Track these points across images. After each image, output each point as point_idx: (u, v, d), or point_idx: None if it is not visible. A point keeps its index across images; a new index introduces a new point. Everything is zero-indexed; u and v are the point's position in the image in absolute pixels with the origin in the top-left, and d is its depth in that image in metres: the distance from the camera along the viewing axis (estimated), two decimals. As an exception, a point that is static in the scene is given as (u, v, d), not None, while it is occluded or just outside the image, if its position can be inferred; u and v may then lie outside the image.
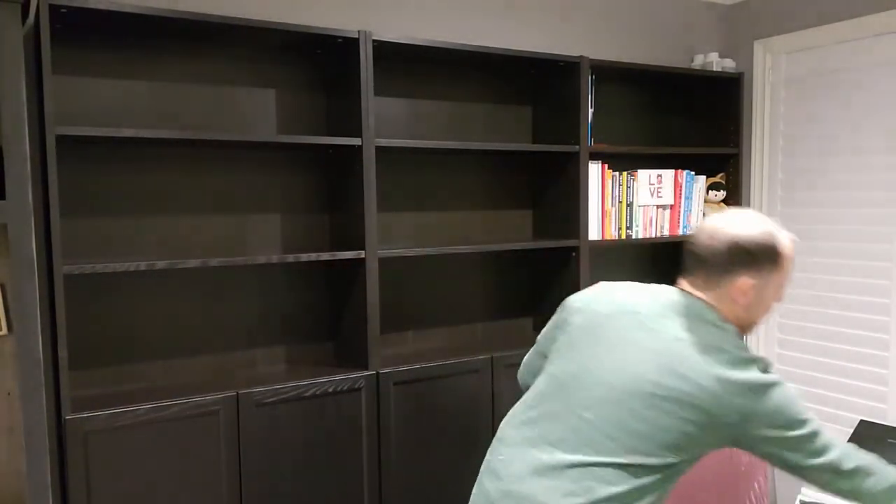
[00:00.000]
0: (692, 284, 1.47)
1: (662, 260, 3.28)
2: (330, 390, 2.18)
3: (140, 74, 2.15)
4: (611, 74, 2.93)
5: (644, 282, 3.23)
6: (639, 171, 2.85)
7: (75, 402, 1.96)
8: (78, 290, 2.09)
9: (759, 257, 1.40)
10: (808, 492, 1.82)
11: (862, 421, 2.03)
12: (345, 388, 2.20)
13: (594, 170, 2.73)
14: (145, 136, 1.91)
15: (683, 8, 3.23)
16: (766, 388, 1.31)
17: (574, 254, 2.71)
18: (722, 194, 3.11)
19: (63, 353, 1.82)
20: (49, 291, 1.92)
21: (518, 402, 1.55)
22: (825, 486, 1.34)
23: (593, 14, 2.99)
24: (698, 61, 3.18)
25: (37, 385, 1.43)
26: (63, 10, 1.83)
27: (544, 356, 1.64)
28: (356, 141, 2.23)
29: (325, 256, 2.20)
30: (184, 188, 2.22)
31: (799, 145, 3.07)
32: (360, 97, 2.22)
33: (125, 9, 1.87)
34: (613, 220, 2.81)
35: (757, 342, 3.21)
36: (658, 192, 2.90)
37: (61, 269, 1.83)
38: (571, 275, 2.72)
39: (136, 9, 1.88)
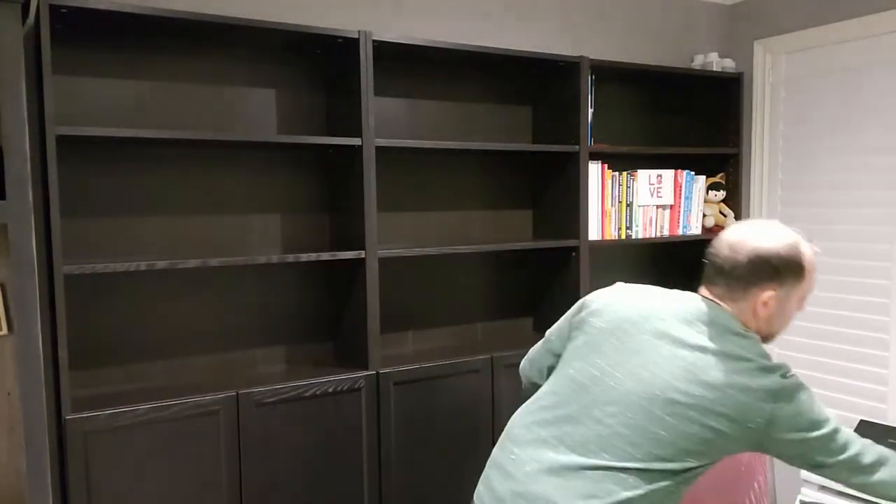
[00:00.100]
0: (713, 294, 1.46)
1: (662, 260, 3.28)
2: (330, 390, 2.18)
3: (140, 74, 2.15)
4: (611, 74, 2.93)
5: (644, 282, 3.24)
6: (639, 171, 2.85)
7: (75, 402, 1.96)
8: (78, 290, 2.09)
9: (781, 271, 1.39)
10: (809, 492, 1.82)
11: (862, 421, 2.03)
12: (345, 388, 2.20)
13: (594, 170, 2.73)
14: (145, 136, 1.91)
15: (683, 8, 3.23)
16: (788, 392, 1.32)
17: (574, 254, 2.71)
18: (722, 194, 3.11)
19: (63, 353, 1.82)
20: (49, 291, 1.92)
21: (529, 401, 1.54)
22: (846, 482, 1.36)
23: (593, 14, 2.99)
24: (698, 61, 3.18)
25: (37, 385, 1.43)
26: (63, 10, 1.83)
27: (556, 355, 1.63)
28: (356, 141, 2.23)
29: (325, 256, 2.20)
30: (184, 188, 2.23)
31: (799, 145, 3.07)
32: (360, 97, 2.22)
33: (125, 9, 1.87)
34: (613, 220, 2.81)
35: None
36: (658, 192, 2.90)
37: (61, 269, 1.83)
38: (571, 275, 2.72)
39: (136, 9, 1.88)
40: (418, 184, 2.63)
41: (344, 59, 2.29)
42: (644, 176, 2.86)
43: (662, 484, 1.31)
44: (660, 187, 2.91)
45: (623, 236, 2.84)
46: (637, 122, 3.16)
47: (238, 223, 2.32)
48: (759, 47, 3.17)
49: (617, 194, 2.82)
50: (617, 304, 1.50)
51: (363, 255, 2.25)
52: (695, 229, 3.03)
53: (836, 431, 1.34)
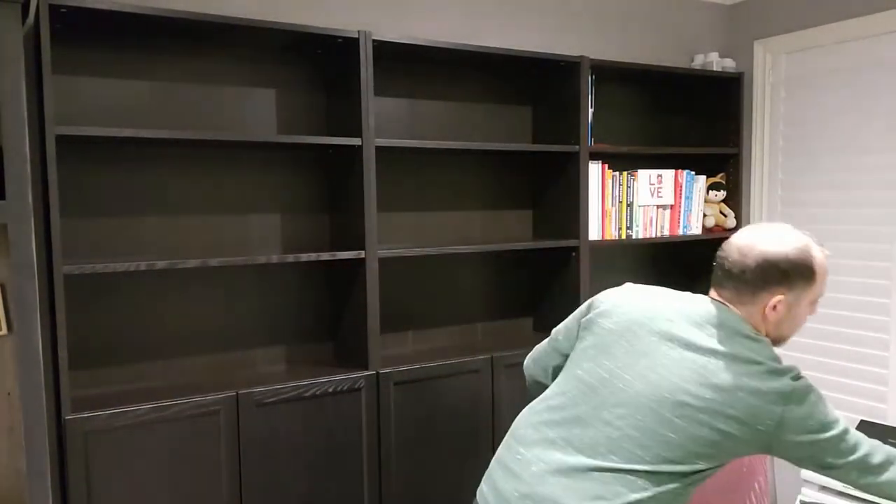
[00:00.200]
0: (722, 297, 1.45)
1: (663, 260, 3.28)
2: (330, 390, 2.18)
3: (140, 74, 2.15)
4: (611, 74, 2.93)
5: (644, 282, 3.24)
6: (639, 171, 2.85)
7: (75, 402, 1.96)
8: (78, 290, 2.09)
9: (790, 275, 1.38)
10: (809, 492, 1.82)
11: (862, 421, 2.03)
12: (345, 388, 2.20)
13: (594, 170, 2.73)
14: (145, 136, 1.91)
15: (683, 8, 3.23)
16: (798, 395, 1.31)
17: (574, 254, 2.71)
18: (722, 194, 3.11)
19: (63, 353, 1.82)
20: (49, 291, 1.92)
21: (536, 401, 1.53)
22: (855, 483, 1.36)
23: (593, 14, 2.99)
24: (698, 61, 3.18)
25: (37, 385, 1.43)
26: (63, 10, 1.83)
27: (563, 354, 1.63)
28: (356, 141, 2.23)
29: (325, 256, 2.20)
30: (184, 188, 2.22)
31: (799, 145, 3.07)
32: (360, 97, 2.21)
33: (125, 9, 1.87)
34: (613, 220, 2.81)
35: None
36: (658, 192, 2.90)
37: (61, 269, 1.83)
38: (571, 275, 2.72)
39: (135, 9, 1.88)
40: (418, 184, 2.63)
41: (344, 59, 2.29)
42: (644, 176, 2.86)
43: (671, 486, 1.31)
44: (660, 187, 2.91)
45: (623, 236, 2.84)
46: (637, 122, 3.16)
47: (238, 223, 2.32)
48: (759, 47, 3.17)
49: (617, 194, 2.82)
50: (626, 305, 1.49)
51: (363, 255, 2.25)
52: (695, 229, 3.03)
53: (845, 433, 1.34)
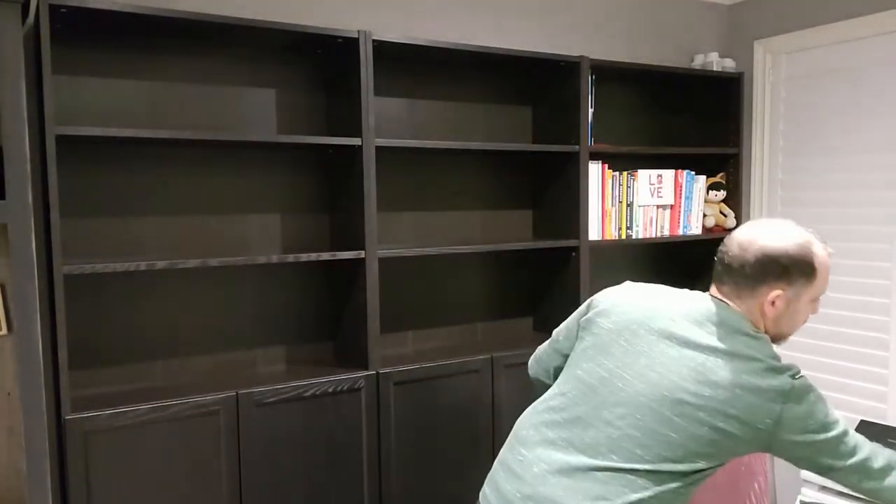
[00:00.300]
0: (721, 293, 1.45)
1: (663, 260, 3.28)
2: (330, 390, 2.18)
3: (140, 74, 2.15)
4: (611, 74, 2.93)
5: (644, 282, 3.23)
6: (639, 171, 2.85)
7: (75, 402, 1.96)
8: (78, 290, 2.09)
9: (790, 270, 1.37)
10: (809, 492, 1.82)
11: (862, 421, 2.03)
12: (345, 388, 2.20)
13: (594, 170, 2.73)
14: (145, 136, 1.91)
15: (683, 8, 3.23)
16: (798, 393, 1.30)
17: (574, 254, 2.71)
18: (722, 194, 3.11)
19: (63, 353, 1.82)
20: (49, 291, 1.92)
21: (538, 401, 1.53)
22: (856, 487, 1.34)
23: (593, 14, 2.99)
24: (698, 61, 3.18)
25: (37, 385, 1.43)
26: (63, 10, 1.83)
27: (563, 355, 1.62)
28: (356, 141, 2.23)
29: (325, 256, 2.20)
30: (184, 188, 2.22)
31: (799, 145, 3.07)
32: (360, 97, 2.21)
33: (125, 9, 1.87)
34: (613, 220, 2.81)
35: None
36: (658, 192, 2.90)
37: (61, 269, 1.83)
38: (571, 275, 2.72)
39: (135, 9, 1.88)
40: (418, 184, 2.63)
41: (344, 59, 2.29)
42: (644, 176, 2.86)
43: (672, 485, 1.31)
44: (660, 187, 2.91)
45: (623, 236, 2.84)
46: (637, 122, 3.16)
47: (238, 223, 2.32)
48: (759, 47, 3.17)
49: (617, 194, 2.82)
50: (625, 304, 1.49)
51: (363, 255, 2.25)
52: (695, 229, 3.03)
53: (844, 434, 1.32)
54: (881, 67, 2.77)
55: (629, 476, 1.31)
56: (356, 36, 2.19)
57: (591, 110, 2.71)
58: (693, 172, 3.01)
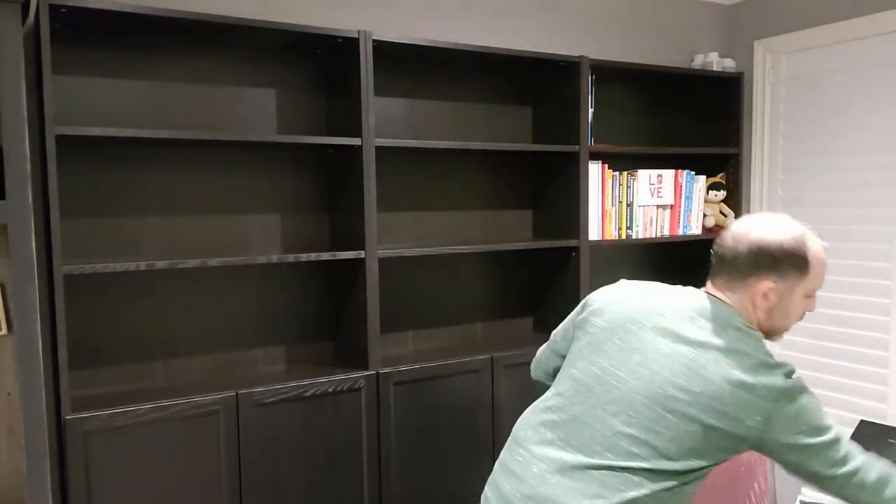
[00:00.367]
0: (715, 286, 1.45)
1: (662, 260, 3.28)
2: (330, 390, 2.18)
3: (140, 74, 2.15)
4: (611, 74, 2.93)
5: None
6: (639, 171, 2.85)
7: (75, 402, 1.96)
8: (78, 290, 2.09)
9: (782, 262, 1.37)
10: (808, 492, 1.82)
11: (862, 421, 2.03)
12: (345, 388, 2.20)
13: (594, 170, 2.73)
14: (145, 136, 1.91)
15: (683, 8, 3.23)
16: (790, 393, 1.29)
17: (574, 254, 2.71)
18: (722, 194, 3.11)
19: (63, 353, 1.82)
20: (49, 291, 1.92)
21: (536, 402, 1.53)
22: (852, 498, 1.30)
23: (593, 14, 2.99)
24: (698, 61, 3.18)
25: (37, 385, 1.43)
26: (63, 10, 1.83)
27: (561, 356, 1.63)
28: (356, 141, 2.23)
29: (325, 256, 2.20)
30: (184, 188, 2.22)
31: (799, 145, 3.07)
32: (360, 97, 2.21)
33: (125, 9, 1.87)
34: (613, 220, 2.81)
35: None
36: (658, 192, 2.90)
37: (61, 269, 1.83)
38: (571, 275, 2.72)
39: (135, 9, 1.88)
40: (418, 184, 2.63)
41: (344, 59, 2.29)
42: (644, 176, 2.86)
43: (668, 484, 1.31)
44: (660, 187, 2.91)
45: (623, 236, 2.84)
46: (637, 122, 3.16)
47: (238, 223, 2.32)
48: (759, 47, 3.17)
49: (617, 194, 2.82)
50: (618, 302, 1.49)
51: (363, 255, 2.25)
52: (695, 229, 3.03)
53: (836, 441, 1.29)
54: (881, 67, 2.77)
55: (625, 474, 1.31)
56: (356, 36, 2.19)
57: (591, 110, 2.71)
58: (693, 172, 3.01)
